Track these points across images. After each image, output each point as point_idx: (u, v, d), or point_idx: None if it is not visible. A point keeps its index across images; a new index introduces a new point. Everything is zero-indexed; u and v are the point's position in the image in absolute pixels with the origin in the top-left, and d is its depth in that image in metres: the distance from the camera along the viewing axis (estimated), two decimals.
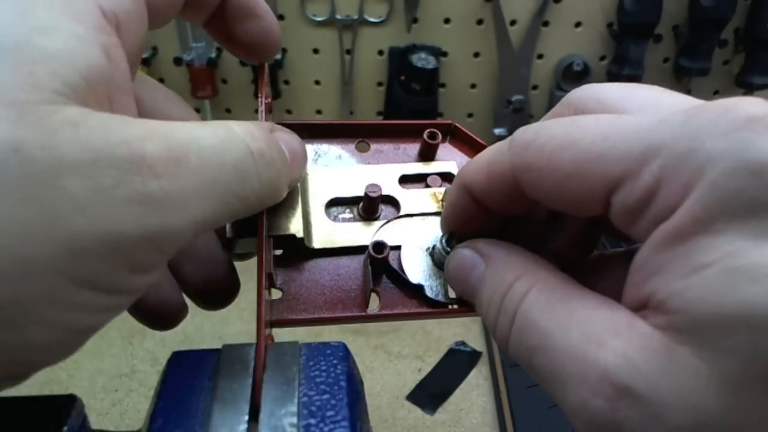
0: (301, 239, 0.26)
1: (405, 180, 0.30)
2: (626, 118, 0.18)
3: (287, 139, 0.24)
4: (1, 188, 0.15)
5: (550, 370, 0.18)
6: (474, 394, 0.63)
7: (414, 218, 0.29)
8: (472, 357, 0.66)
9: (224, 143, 0.19)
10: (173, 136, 0.18)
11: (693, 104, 0.18)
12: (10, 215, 0.15)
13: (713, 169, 0.15)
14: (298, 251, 0.27)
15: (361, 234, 0.28)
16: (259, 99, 0.27)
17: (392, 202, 0.30)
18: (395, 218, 0.29)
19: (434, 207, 0.29)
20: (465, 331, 0.69)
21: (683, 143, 0.16)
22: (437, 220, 0.29)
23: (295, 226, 0.26)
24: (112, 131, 0.17)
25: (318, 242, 0.28)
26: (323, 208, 0.29)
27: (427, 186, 0.30)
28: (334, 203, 0.29)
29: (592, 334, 0.17)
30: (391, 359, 0.65)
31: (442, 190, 0.30)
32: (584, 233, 0.24)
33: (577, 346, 0.17)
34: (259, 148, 0.21)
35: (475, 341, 0.67)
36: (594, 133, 0.18)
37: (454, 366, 0.65)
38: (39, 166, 0.15)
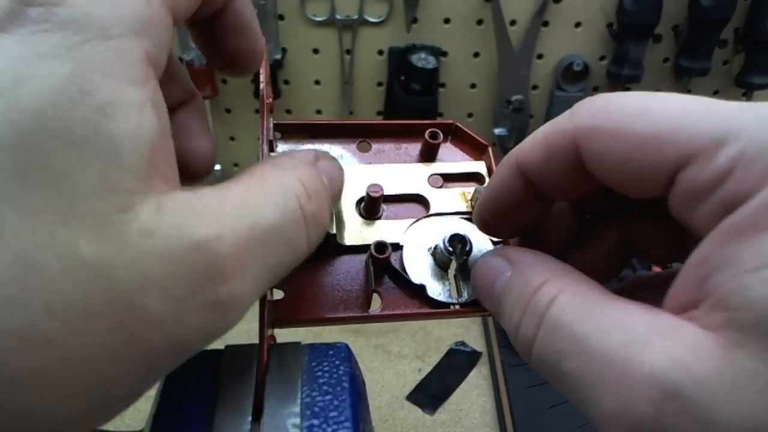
0: (333, 236, 0.26)
1: (435, 179, 0.31)
2: (708, 99, 0.17)
3: (329, 168, 0.23)
4: (90, 315, 0.15)
5: (582, 375, 0.17)
6: (474, 394, 0.63)
7: (443, 217, 0.29)
8: (472, 357, 0.66)
9: (282, 217, 0.19)
10: (240, 224, 0.17)
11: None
12: (98, 342, 0.15)
13: None
14: (328, 248, 0.27)
15: (388, 232, 0.28)
16: (260, 102, 0.27)
17: (421, 201, 0.30)
18: (426, 216, 0.29)
19: (463, 207, 0.29)
20: (465, 331, 0.69)
21: (767, 133, 0.15)
22: (440, 220, 0.29)
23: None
24: (186, 233, 0.16)
25: (349, 239, 0.28)
26: (354, 206, 0.29)
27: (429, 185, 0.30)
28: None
29: (634, 337, 0.16)
30: (391, 359, 0.65)
31: (471, 190, 0.30)
32: (614, 251, 0.24)
33: (616, 348, 0.16)
34: (312, 210, 0.20)
35: (475, 341, 0.67)
36: (672, 106, 0.17)
37: (454, 366, 0.65)
38: (123, 289, 0.15)
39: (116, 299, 0.15)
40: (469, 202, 0.29)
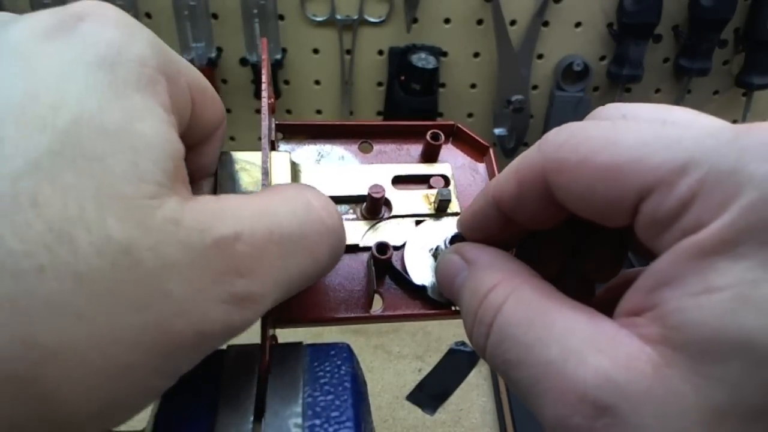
0: None
1: (400, 181, 0.30)
2: (671, 128, 0.17)
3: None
4: (117, 292, 0.15)
5: (528, 385, 0.18)
6: (474, 394, 0.63)
7: (408, 219, 0.29)
8: (472, 357, 0.66)
9: (301, 226, 0.20)
10: (258, 227, 0.18)
11: (731, 125, 0.17)
12: (125, 322, 0.15)
13: (752, 192, 0.14)
14: None
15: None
16: (262, 100, 0.27)
17: (385, 203, 0.29)
18: (388, 218, 0.29)
19: (426, 209, 0.29)
20: (465, 331, 0.69)
21: (728, 161, 0.15)
22: (441, 221, 0.29)
23: None
24: (207, 228, 0.17)
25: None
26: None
27: (431, 187, 0.30)
28: (337, 202, 0.29)
29: (572, 350, 0.17)
30: (391, 359, 0.66)
31: (434, 192, 0.30)
32: (611, 255, 0.24)
33: (556, 361, 0.17)
34: (334, 224, 0.21)
35: None
36: (635, 137, 0.17)
37: (454, 366, 0.65)
38: (147, 270, 0.16)
39: (142, 279, 0.16)
40: (432, 205, 0.29)
